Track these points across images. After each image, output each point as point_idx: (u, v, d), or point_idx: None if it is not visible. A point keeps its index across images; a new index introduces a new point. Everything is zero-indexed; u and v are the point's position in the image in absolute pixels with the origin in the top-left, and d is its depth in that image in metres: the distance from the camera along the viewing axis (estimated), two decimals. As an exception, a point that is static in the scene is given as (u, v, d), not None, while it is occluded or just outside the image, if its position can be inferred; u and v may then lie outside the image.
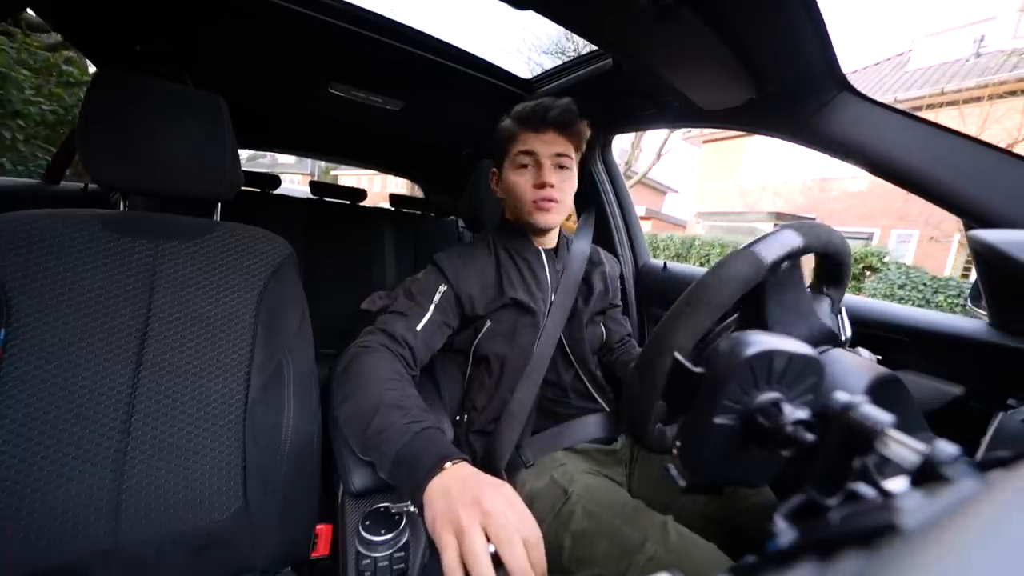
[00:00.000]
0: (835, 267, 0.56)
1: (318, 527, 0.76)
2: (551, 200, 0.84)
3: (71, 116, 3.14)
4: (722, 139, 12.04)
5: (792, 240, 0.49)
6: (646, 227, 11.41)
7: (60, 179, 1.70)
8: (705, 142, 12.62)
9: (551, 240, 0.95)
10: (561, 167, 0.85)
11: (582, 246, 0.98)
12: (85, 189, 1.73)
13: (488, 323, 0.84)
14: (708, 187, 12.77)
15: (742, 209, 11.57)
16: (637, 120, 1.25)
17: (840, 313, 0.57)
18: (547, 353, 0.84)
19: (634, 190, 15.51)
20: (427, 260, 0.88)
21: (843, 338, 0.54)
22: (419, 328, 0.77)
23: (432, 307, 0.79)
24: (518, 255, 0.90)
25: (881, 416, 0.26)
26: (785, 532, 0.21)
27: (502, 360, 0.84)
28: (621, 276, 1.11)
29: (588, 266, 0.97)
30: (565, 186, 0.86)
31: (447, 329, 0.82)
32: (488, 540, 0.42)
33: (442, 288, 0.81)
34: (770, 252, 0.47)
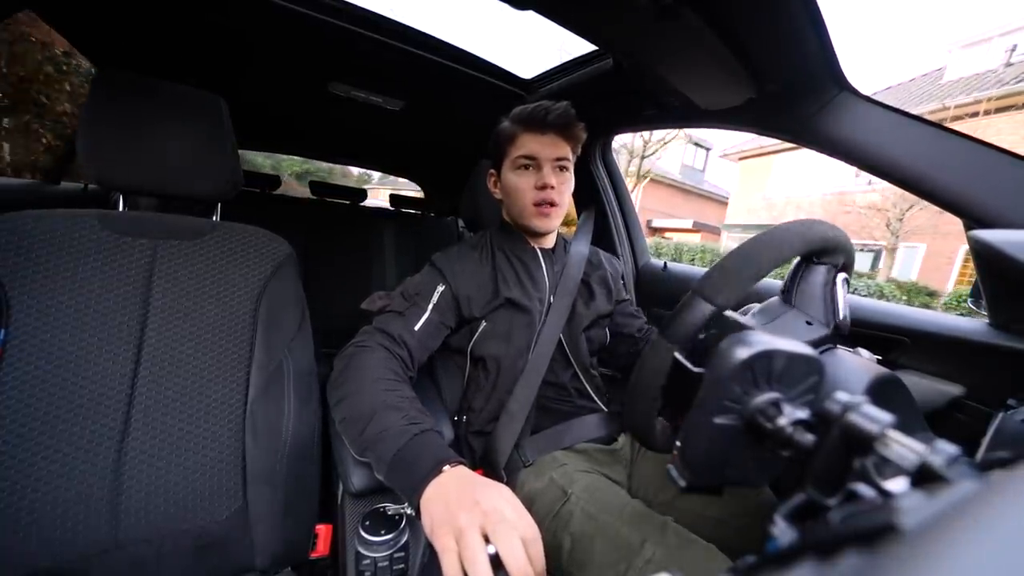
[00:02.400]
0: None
1: (318, 527, 0.76)
2: (551, 203, 0.84)
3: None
4: (755, 156, 12.62)
5: (838, 233, 0.55)
6: (695, 239, 11.93)
7: (60, 179, 1.71)
8: (741, 159, 13.18)
9: (549, 241, 0.95)
10: (562, 169, 0.85)
11: (581, 247, 0.98)
12: (85, 189, 1.73)
13: (483, 324, 0.84)
14: (742, 200, 13.39)
15: (767, 221, 11.95)
16: (637, 120, 1.25)
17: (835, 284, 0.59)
18: (546, 354, 0.84)
19: (700, 203, 16.29)
20: (427, 260, 0.88)
21: (842, 315, 0.55)
22: (417, 328, 0.77)
23: (430, 307, 0.79)
24: (515, 255, 0.90)
25: (881, 416, 0.26)
26: (785, 532, 0.21)
27: (498, 361, 0.84)
28: (623, 275, 1.11)
29: (588, 268, 0.96)
30: (564, 188, 0.86)
31: (445, 329, 0.82)
32: (487, 541, 0.42)
33: (440, 288, 0.81)
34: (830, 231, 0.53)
